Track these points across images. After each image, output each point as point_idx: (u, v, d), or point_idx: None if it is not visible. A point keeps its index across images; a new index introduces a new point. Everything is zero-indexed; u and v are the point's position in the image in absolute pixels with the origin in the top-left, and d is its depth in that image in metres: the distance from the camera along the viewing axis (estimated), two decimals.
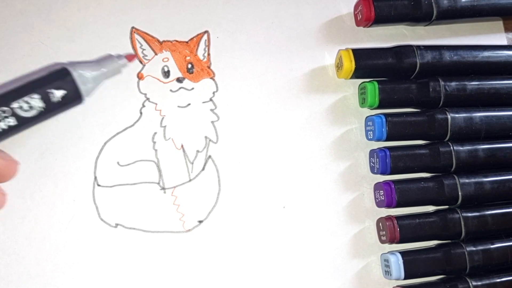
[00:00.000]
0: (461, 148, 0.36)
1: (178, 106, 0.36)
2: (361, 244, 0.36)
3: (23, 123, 0.27)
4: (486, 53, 0.38)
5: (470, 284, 0.34)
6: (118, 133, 0.35)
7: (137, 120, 0.35)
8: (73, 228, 0.34)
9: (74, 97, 0.28)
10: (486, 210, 0.36)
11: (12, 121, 0.26)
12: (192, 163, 0.35)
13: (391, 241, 0.35)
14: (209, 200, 0.35)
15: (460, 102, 0.37)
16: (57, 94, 0.27)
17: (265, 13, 0.38)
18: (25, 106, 0.26)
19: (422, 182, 0.36)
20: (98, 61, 0.31)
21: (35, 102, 0.27)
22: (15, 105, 0.26)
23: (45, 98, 0.27)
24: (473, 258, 0.35)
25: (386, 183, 0.36)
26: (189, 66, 0.36)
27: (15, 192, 0.33)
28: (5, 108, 0.26)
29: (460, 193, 0.35)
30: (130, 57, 0.32)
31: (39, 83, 0.27)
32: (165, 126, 0.35)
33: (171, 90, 0.36)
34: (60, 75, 0.28)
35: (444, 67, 0.37)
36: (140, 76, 0.36)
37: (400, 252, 0.35)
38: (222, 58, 0.37)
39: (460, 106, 0.37)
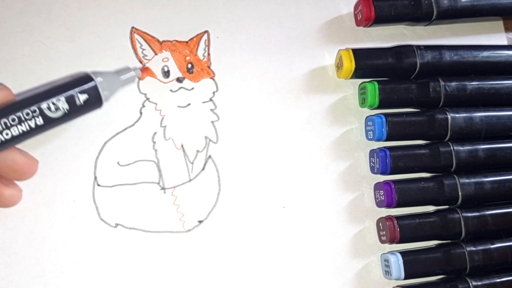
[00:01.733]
0: (461, 148, 0.36)
1: (178, 106, 0.36)
2: (361, 244, 0.36)
3: (48, 123, 0.29)
4: (486, 53, 0.38)
5: (470, 284, 0.34)
6: (118, 133, 0.35)
7: (137, 120, 0.35)
8: (73, 228, 0.33)
9: (95, 102, 0.30)
10: (486, 210, 0.36)
11: (39, 121, 0.28)
12: (192, 163, 0.35)
13: (391, 241, 0.35)
14: (209, 200, 0.35)
15: (460, 102, 0.37)
16: (81, 98, 0.29)
17: (265, 13, 0.38)
18: (53, 107, 0.29)
19: (422, 182, 0.36)
20: (116, 71, 0.33)
21: (61, 104, 0.29)
22: (44, 105, 0.28)
23: (70, 101, 0.29)
24: (473, 258, 0.35)
25: (386, 183, 0.36)
26: (189, 66, 0.36)
27: None
28: (35, 108, 0.28)
29: (460, 193, 0.35)
30: (143, 69, 0.35)
31: (65, 87, 0.29)
32: (165, 126, 0.36)
33: (171, 90, 0.36)
34: (84, 81, 0.30)
35: (444, 67, 0.37)
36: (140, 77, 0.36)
37: (400, 252, 0.35)
38: (222, 58, 0.37)
39: (460, 106, 0.37)
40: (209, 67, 0.37)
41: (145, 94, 0.36)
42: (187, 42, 0.37)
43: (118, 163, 0.35)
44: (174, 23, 0.37)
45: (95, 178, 0.34)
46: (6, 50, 0.35)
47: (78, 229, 0.34)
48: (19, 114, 0.28)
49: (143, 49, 0.36)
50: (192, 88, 0.36)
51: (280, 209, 0.36)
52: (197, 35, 0.37)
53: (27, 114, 0.28)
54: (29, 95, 0.29)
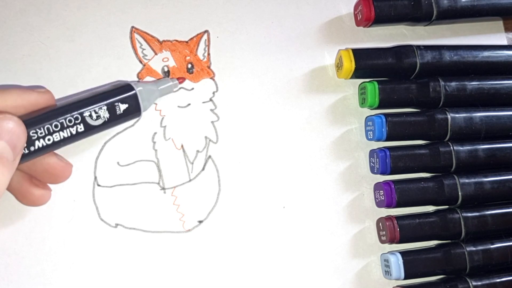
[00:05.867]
0: (461, 148, 0.36)
1: (178, 106, 0.36)
2: (361, 244, 0.36)
3: (88, 130, 0.29)
4: (486, 53, 0.38)
5: (470, 284, 0.34)
6: (118, 133, 0.35)
7: (137, 120, 0.35)
8: (73, 228, 0.33)
9: (134, 111, 0.30)
10: (486, 210, 0.36)
11: (80, 128, 0.28)
12: (192, 163, 0.35)
13: (391, 241, 0.35)
14: (209, 200, 0.35)
15: (460, 102, 0.37)
16: (122, 107, 0.29)
17: (265, 13, 0.38)
18: (94, 115, 0.29)
19: (422, 182, 0.36)
20: (155, 81, 0.33)
21: (103, 112, 0.29)
22: (86, 113, 0.28)
23: (111, 110, 0.29)
24: (473, 258, 0.35)
25: (386, 183, 0.36)
26: (189, 66, 0.36)
27: None
28: (78, 115, 0.28)
29: (460, 193, 0.35)
30: (180, 80, 0.35)
31: (106, 96, 0.29)
32: (165, 126, 0.35)
33: None
34: (125, 90, 0.30)
35: (444, 67, 0.37)
36: (140, 76, 0.36)
37: (400, 252, 0.35)
38: (222, 58, 0.37)
39: (460, 106, 0.37)
40: (209, 67, 0.37)
41: None
42: (187, 42, 0.37)
43: (118, 163, 0.35)
44: (174, 23, 0.37)
45: (95, 178, 0.34)
46: (6, 50, 0.35)
47: (78, 229, 0.34)
48: (62, 120, 0.27)
49: (143, 49, 0.36)
50: (192, 88, 0.36)
51: (280, 209, 0.36)
52: (197, 35, 0.37)
53: (70, 121, 0.28)
54: (70, 101, 0.29)
